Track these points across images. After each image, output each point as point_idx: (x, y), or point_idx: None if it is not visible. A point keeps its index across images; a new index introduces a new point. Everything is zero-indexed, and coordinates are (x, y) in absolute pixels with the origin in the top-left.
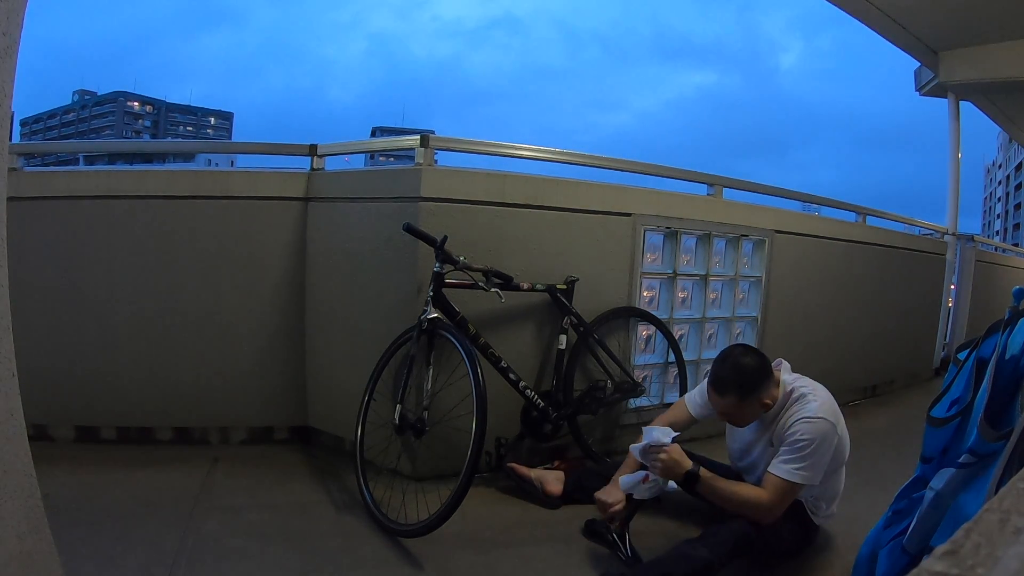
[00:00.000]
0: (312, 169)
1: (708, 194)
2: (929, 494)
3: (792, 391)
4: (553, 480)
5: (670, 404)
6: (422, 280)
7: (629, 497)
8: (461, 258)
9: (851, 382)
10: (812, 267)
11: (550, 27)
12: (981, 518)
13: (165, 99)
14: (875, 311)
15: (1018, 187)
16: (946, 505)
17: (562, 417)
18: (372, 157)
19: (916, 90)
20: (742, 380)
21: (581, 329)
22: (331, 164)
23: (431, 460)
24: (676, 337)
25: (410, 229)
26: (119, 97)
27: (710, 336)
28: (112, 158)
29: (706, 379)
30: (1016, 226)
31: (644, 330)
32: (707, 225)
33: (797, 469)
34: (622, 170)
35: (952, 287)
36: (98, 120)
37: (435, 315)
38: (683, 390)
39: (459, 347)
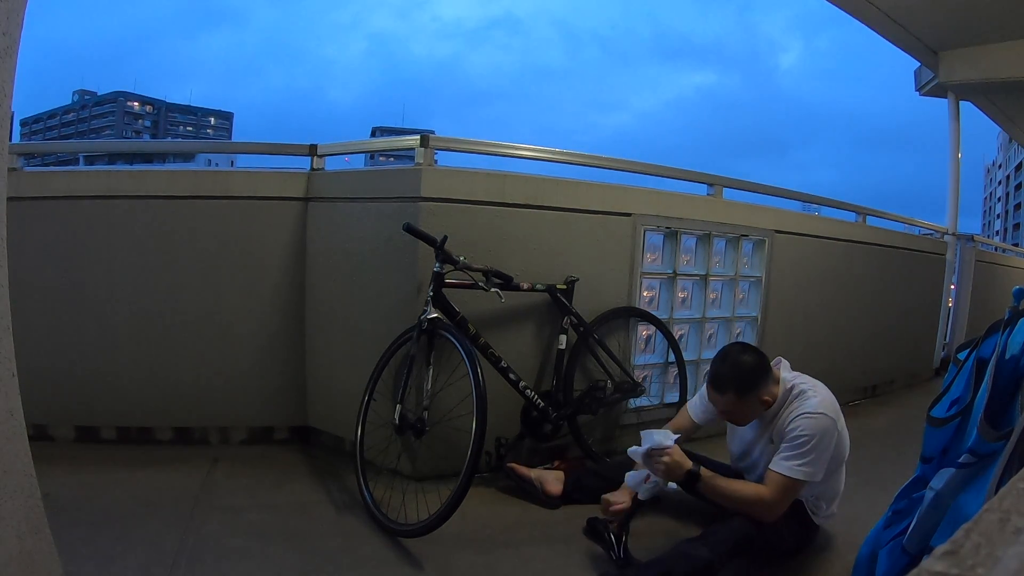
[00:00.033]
0: (312, 169)
1: (708, 194)
2: (929, 494)
3: (792, 388)
4: (553, 480)
5: (670, 404)
6: (422, 280)
7: (634, 498)
8: (461, 258)
9: (851, 382)
10: (812, 267)
11: (550, 27)
12: (981, 518)
13: (165, 99)
14: (875, 311)
15: (1018, 187)
16: (946, 505)
17: (562, 417)
18: (372, 157)
19: (916, 90)
20: (741, 378)
21: (581, 329)
22: (331, 164)
23: (431, 460)
24: (676, 337)
25: (410, 229)
26: (119, 97)
27: (710, 336)
28: (112, 158)
29: (705, 382)
30: (1016, 226)
31: (644, 330)
32: (707, 225)
33: (799, 465)
34: (622, 170)
35: (952, 287)
36: (98, 120)
37: (435, 315)
38: (683, 390)
39: (459, 347)
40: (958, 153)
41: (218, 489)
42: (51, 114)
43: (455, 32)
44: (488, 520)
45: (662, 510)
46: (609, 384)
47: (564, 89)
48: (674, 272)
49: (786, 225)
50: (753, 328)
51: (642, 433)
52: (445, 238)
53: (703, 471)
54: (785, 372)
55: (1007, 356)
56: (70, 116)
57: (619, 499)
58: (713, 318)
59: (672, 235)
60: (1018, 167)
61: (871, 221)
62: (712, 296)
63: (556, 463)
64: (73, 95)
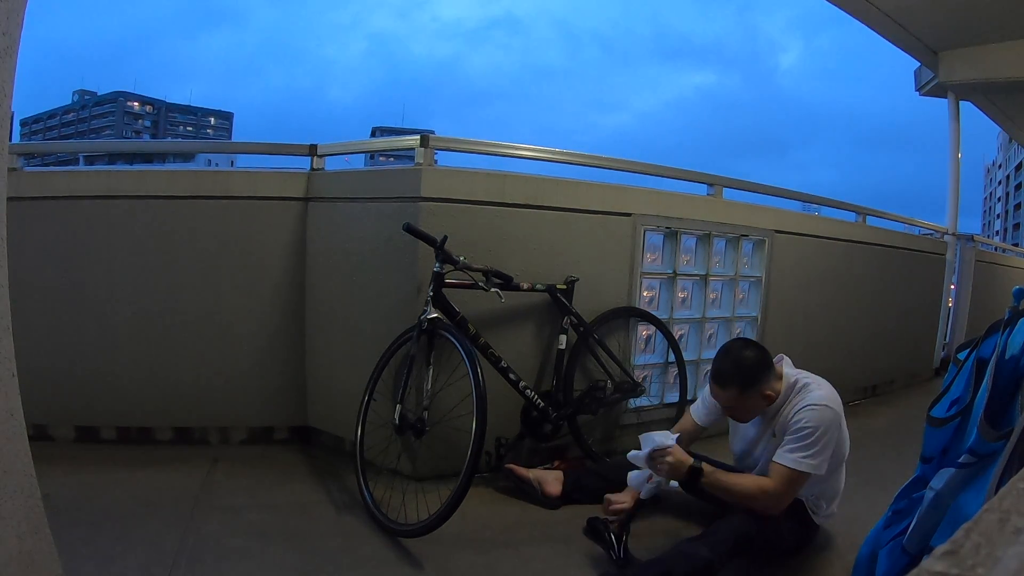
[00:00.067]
0: (312, 169)
1: (708, 194)
2: (929, 494)
3: (796, 382)
4: (552, 480)
5: (670, 404)
6: (422, 280)
7: (635, 498)
8: (461, 258)
9: (851, 382)
10: (812, 267)
11: (550, 27)
12: (981, 518)
13: (165, 99)
14: (875, 311)
15: (1018, 187)
16: (946, 505)
17: (562, 417)
18: (372, 157)
19: (916, 90)
20: (743, 372)
21: (581, 329)
22: (331, 164)
23: (431, 460)
24: (676, 337)
25: (410, 229)
26: (119, 97)
27: (710, 336)
28: (112, 158)
29: (708, 379)
30: (1016, 226)
31: (644, 330)
32: (707, 225)
33: (803, 457)
34: (622, 170)
35: (952, 287)
36: (98, 120)
37: (435, 315)
38: (683, 390)
39: (459, 347)
40: (958, 153)
41: (218, 489)
42: (51, 114)
43: (455, 32)
44: (488, 520)
45: (662, 510)
46: (609, 384)
47: (564, 89)
48: (674, 272)
49: (786, 225)
50: (753, 328)
51: (641, 437)
52: (445, 238)
53: (705, 466)
54: (787, 368)
55: (1007, 356)
56: (70, 116)
57: (621, 499)
58: (713, 318)
59: (672, 235)
60: (1018, 167)
61: (871, 221)
62: (712, 296)
63: (556, 463)
64: (73, 95)
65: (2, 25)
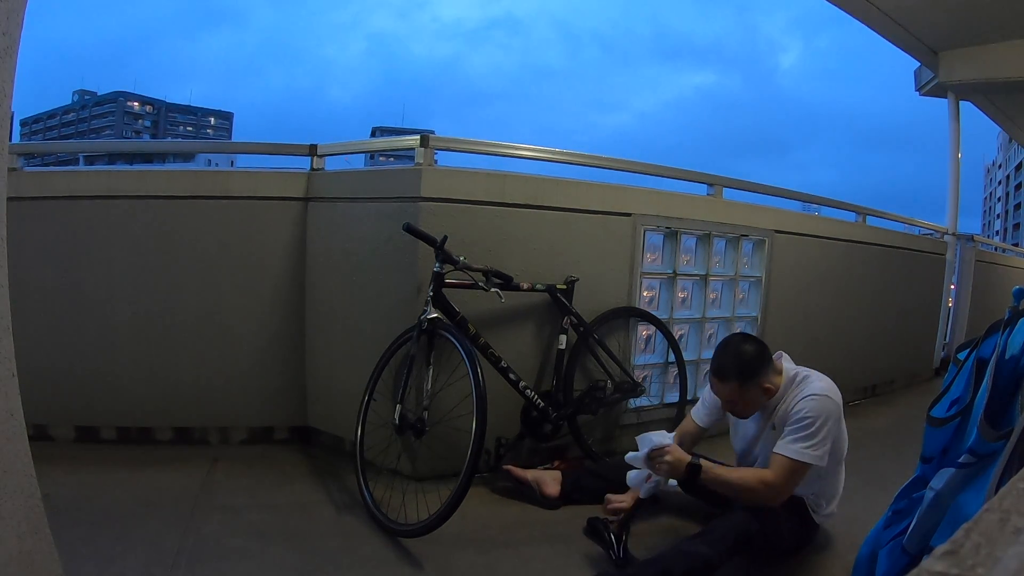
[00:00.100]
0: (312, 169)
1: (708, 194)
2: (929, 494)
3: (795, 375)
4: (550, 481)
5: (670, 404)
6: (422, 280)
7: (635, 498)
8: (461, 258)
9: (851, 382)
10: (812, 267)
11: (550, 27)
12: (981, 518)
13: (165, 99)
14: (875, 311)
15: (1018, 187)
16: (946, 505)
17: (562, 417)
18: (372, 157)
19: (916, 90)
20: (742, 365)
21: (581, 329)
22: (331, 164)
23: (431, 460)
24: (676, 337)
25: (410, 229)
26: (119, 97)
27: (710, 336)
28: (112, 158)
29: (708, 385)
30: (1016, 226)
31: (644, 330)
32: (707, 225)
33: (805, 448)
34: (622, 170)
35: (952, 287)
36: (98, 120)
37: (435, 315)
38: (683, 390)
39: (459, 347)
40: (958, 153)
41: (218, 489)
42: (51, 114)
43: (455, 32)
44: (488, 520)
45: (662, 510)
46: (609, 384)
47: (564, 89)
48: (674, 272)
49: (786, 225)
50: (753, 328)
51: (638, 438)
52: (445, 238)
53: (703, 462)
54: (787, 363)
55: (1007, 356)
56: (70, 116)
57: (622, 499)
58: (713, 318)
59: (672, 235)
60: (1018, 167)
61: (871, 221)
62: (712, 296)
63: (556, 463)
64: (73, 95)
65: (2, 25)
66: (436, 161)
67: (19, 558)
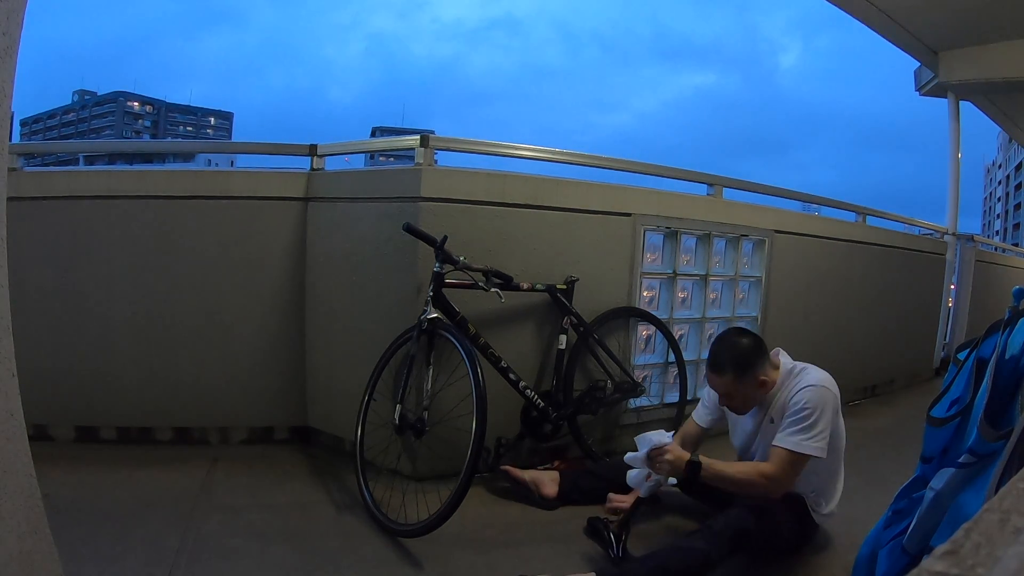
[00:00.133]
0: (312, 169)
1: (708, 194)
2: (929, 494)
3: (792, 369)
4: (548, 482)
5: (670, 404)
6: (422, 280)
7: (636, 497)
8: (461, 258)
9: (851, 382)
10: (812, 267)
11: (550, 28)
12: (981, 518)
13: (165, 99)
14: (875, 311)
15: (1018, 187)
16: (946, 505)
17: (562, 417)
18: (372, 157)
19: (916, 90)
20: (738, 357)
21: (581, 329)
22: (331, 164)
23: (431, 460)
24: (676, 337)
25: (410, 229)
26: (119, 97)
27: (710, 336)
28: (112, 158)
29: (706, 368)
30: (1016, 226)
31: (644, 330)
32: (707, 225)
33: (804, 440)
34: (622, 170)
35: (952, 287)
36: (98, 120)
37: (435, 315)
38: (683, 390)
39: (459, 347)
40: (958, 153)
41: (218, 489)
42: (51, 114)
43: (455, 33)
44: (488, 520)
45: (662, 511)
46: (609, 384)
47: (564, 89)
48: (674, 272)
49: (786, 225)
50: (753, 328)
51: (637, 438)
52: (445, 238)
53: (703, 459)
54: (784, 358)
55: (1007, 356)
56: (70, 116)
57: (623, 498)
58: (713, 318)
59: (672, 235)
60: (1018, 167)
61: (871, 221)
62: (712, 296)
63: (555, 463)
64: (73, 95)
65: (2, 25)
66: (436, 161)
67: (19, 558)
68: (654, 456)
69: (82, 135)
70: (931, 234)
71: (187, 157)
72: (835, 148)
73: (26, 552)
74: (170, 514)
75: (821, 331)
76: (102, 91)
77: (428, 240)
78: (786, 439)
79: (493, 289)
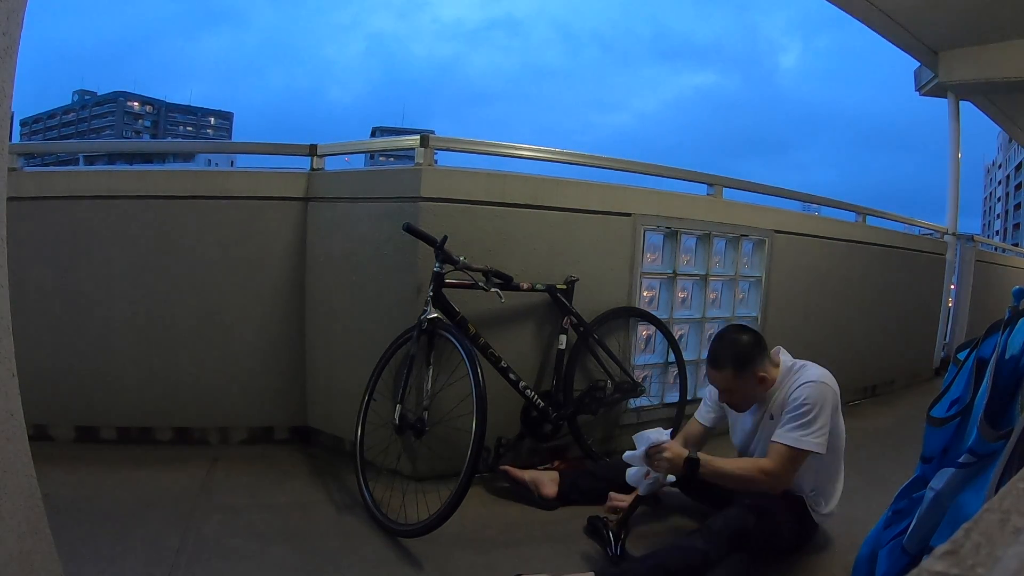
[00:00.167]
0: (312, 169)
1: (708, 194)
2: (929, 494)
3: (792, 366)
4: (548, 482)
5: (670, 404)
6: (422, 280)
7: (635, 496)
8: (461, 258)
9: (851, 382)
10: (812, 267)
11: (549, 28)
12: (981, 518)
13: (165, 99)
14: (875, 311)
15: (1018, 187)
16: (946, 505)
17: (562, 417)
18: (372, 157)
19: (916, 90)
20: (737, 353)
21: (581, 329)
22: (331, 164)
23: (431, 460)
24: (676, 337)
25: (410, 229)
26: (119, 97)
27: (710, 336)
28: (112, 158)
29: (708, 386)
30: (1016, 226)
31: (644, 330)
32: (707, 225)
33: (803, 436)
34: (622, 170)
35: (952, 287)
36: (98, 120)
37: (435, 315)
38: (683, 390)
39: (459, 347)
40: (958, 153)
41: (218, 489)
42: (51, 114)
43: (455, 33)
44: (487, 520)
45: (662, 511)
46: (609, 384)
47: (564, 89)
48: (674, 272)
49: (786, 225)
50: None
51: (635, 437)
52: (445, 238)
53: (701, 456)
54: (784, 356)
55: (1007, 356)
56: (70, 116)
57: (623, 497)
58: (713, 318)
59: (672, 235)
60: (1018, 167)
61: (871, 221)
62: (712, 296)
63: (555, 463)
64: (73, 95)
65: (2, 25)
66: (436, 161)
67: (19, 558)
68: (652, 453)
69: (82, 135)
70: (931, 234)
71: (187, 157)
72: (835, 148)
73: (26, 552)
74: (170, 514)
75: (821, 331)
76: (102, 91)
77: (428, 240)
78: (785, 435)
79: (493, 289)
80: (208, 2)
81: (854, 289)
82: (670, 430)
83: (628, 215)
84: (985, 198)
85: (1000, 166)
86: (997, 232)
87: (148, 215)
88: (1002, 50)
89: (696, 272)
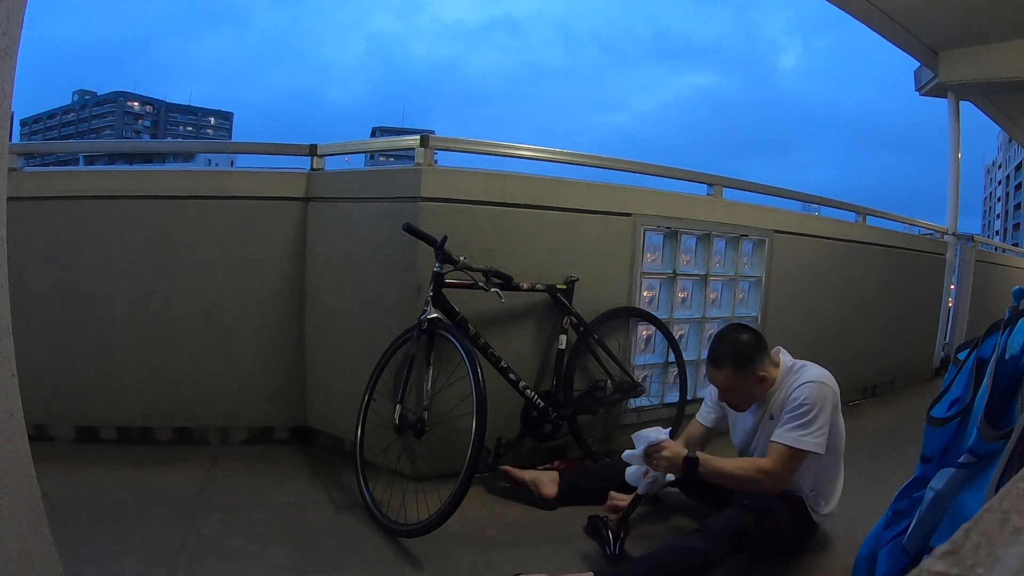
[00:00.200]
0: (312, 169)
1: (708, 194)
2: (929, 494)
3: (792, 366)
4: (548, 482)
5: (670, 404)
6: (422, 280)
7: (634, 495)
8: (461, 258)
9: (851, 382)
10: (812, 267)
11: (549, 28)
12: (981, 518)
13: (165, 99)
14: (875, 311)
15: (1018, 187)
16: (946, 505)
17: (562, 417)
18: (372, 157)
19: (916, 90)
20: (737, 351)
21: (581, 329)
22: (331, 164)
23: (431, 460)
24: (676, 337)
25: (410, 229)
26: (119, 97)
27: (710, 336)
28: (112, 158)
29: (709, 386)
30: (1016, 226)
31: (644, 330)
32: (707, 225)
33: (803, 436)
34: (622, 170)
35: (952, 287)
36: (98, 120)
37: (435, 315)
38: (683, 390)
39: (459, 347)
40: (958, 153)
41: (218, 489)
42: (51, 114)
43: (455, 33)
44: (487, 520)
45: (662, 510)
46: (609, 384)
47: (564, 89)
48: (674, 272)
49: (786, 225)
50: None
51: (634, 436)
52: (445, 238)
53: (700, 455)
54: (785, 356)
55: (1007, 356)
56: (70, 116)
57: (623, 497)
58: (713, 318)
59: (672, 235)
60: (1018, 167)
61: (871, 221)
62: (712, 296)
63: (555, 463)
64: (73, 95)
65: (2, 25)
66: (436, 161)
67: (19, 558)
68: (651, 453)
69: (82, 135)
70: (931, 234)
71: (187, 157)
72: (835, 148)
73: (26, 552)
74: (170, 514)
75: (821, 331)
76: (102, 91)
77: (428, 240)
78: (785, 435)
79: (493, 289)
80: (208, 2)
81: (854, 289)
82: (669, 429)
83: (628, 215)
84: (985, 198)
85: (1000, 166)
86: (997, 232)
87: (148, 215)
88: (1002, 50)
89: (696, 272)
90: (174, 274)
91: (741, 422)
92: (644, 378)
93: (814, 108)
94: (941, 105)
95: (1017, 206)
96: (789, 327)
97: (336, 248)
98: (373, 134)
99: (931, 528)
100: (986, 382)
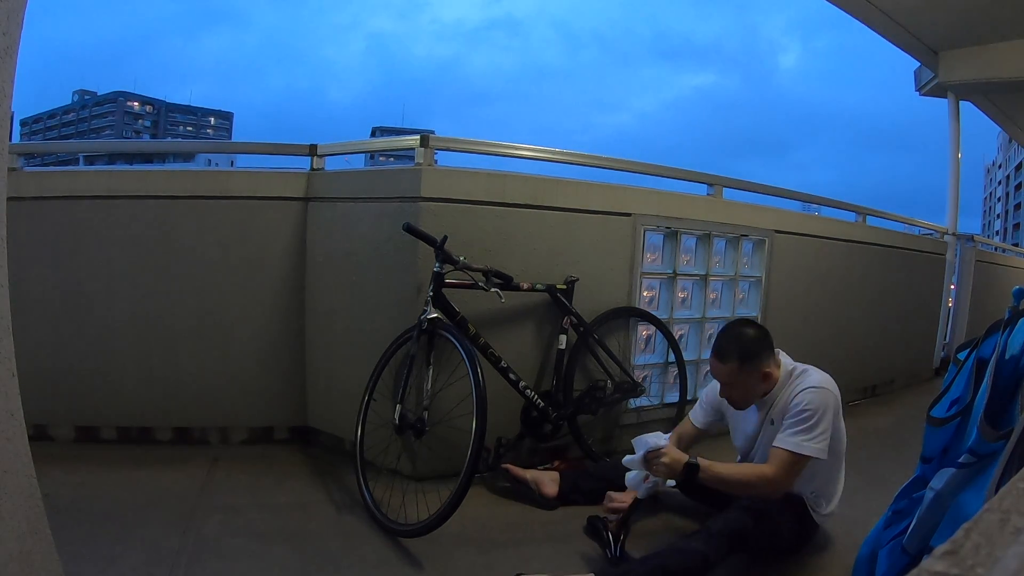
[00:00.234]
0: (312, 169)
1: (708, 194)
2: (929, 494)
3: (793, 369)
4: (549, 482)
5: (670, 404)
6: (422, 280)
7: (634, 498)
8: (461, 258)
9: (851, 382)
10: (812, 267)
11: (549, 28)
12: (981, 518)
13: (165, 99)
14: (875, 311)
15: (1018, 187)
16: (946, 505)
17: (562, 417)
18: (372, 157)
19: (916, 90)
20: (742, 346)
21: (581, 329)
22: (331, 164)
23: (431, 460)
24: (676, 337)
25: (410, 229)
26: (119, 97)
27: (710, 336)
28: (112, 158)
29: (707, 387)
30: (1016, 226)
31: (644, 330)
32: (707, 225)
33: (804, 441)
34: (622, 170)
35: (952, 287)
36: (98, 120)
37: (435, 315)
38: (683, 390)
39: (459, 347)
40: (958, 153)
41: (218, 489)
42: (51, 114)
43: (455, 33)
44: (488, 520)
45: (662, 511)
46: (609, 384)
47: (564, 89)
48: (674, 272)
49: (786, 225)
50: None
51: (634, 441)
52: (445, 238)
53: (700, 461)
54: (784, 358)
55: (1007, 356)
56: (70, 116)
57: (622, 497)
58: (713, 318)
59: (672, 235)
60: (1018, 167)
61: (871, 221)
62: (712, 296)
63: (556, 463)
64: (73, 95)
65: (2, 25)
66: (436, 161)
67: (19, 558)
68: (651, 459)
69: (82, 135)
70: (931, 234)
71: (187, 157)
72: (835, 148)
73: (26, 552)
74: (170, 514)
75: (821, 331)
76: (102, 91)
77: (428, 240)
78: (786, 440)
79: (493, 289)
80: (208, 2)
81: (854, 289)
82: (668, 434)
83: (628, 215)
84: (985, 198)
85: (1000, 166)
86: (997, 232)
87: (148, 215)
88: (1002, 50)
89: (696, 272)
90: (174, 274)
91: (742, 426)
92: (644, 378)
93: (814, 108)
94: (941, 105)
95: (1017, 206)
96: (789, 327)
97: (336, 248)
98: (373, 134)
99: (931, 528)
100: (986, 382)
